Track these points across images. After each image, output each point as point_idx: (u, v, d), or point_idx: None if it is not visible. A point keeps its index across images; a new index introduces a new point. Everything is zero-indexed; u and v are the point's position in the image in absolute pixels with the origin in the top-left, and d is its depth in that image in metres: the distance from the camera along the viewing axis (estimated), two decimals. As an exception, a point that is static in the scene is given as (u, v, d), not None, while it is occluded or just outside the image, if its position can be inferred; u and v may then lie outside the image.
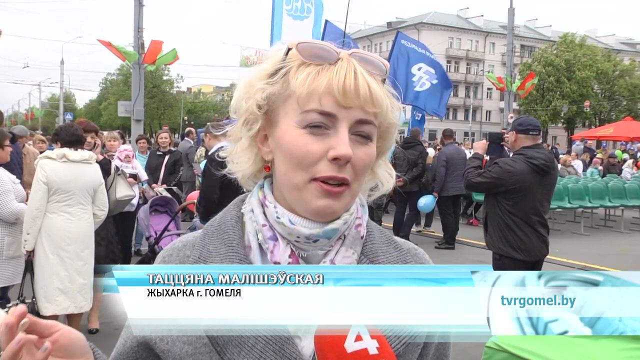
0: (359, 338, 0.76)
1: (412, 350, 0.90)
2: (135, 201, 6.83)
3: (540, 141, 4.54)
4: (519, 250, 4.37)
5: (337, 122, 0.84)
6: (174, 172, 8.28)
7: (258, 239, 0.90)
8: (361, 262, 0.92)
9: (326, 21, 9.66)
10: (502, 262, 4.43)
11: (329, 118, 0.84)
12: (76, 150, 4.50)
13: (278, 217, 0.89)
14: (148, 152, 8.98)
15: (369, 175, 0.95)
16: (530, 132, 4.43)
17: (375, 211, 10.87)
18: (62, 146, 4.52)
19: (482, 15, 67.68)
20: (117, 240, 5.49)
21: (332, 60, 0.86)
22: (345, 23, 8.97)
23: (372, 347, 0.76)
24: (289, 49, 0.88)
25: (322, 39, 9.42)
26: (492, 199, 4.54)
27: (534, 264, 4.48)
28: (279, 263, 0.88)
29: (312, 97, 0.84)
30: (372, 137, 0.88)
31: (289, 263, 0.88)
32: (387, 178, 0.98)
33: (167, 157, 8.23)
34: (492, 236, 4.51)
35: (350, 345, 0.76)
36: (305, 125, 0.85)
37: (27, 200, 4.72)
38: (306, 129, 0.85)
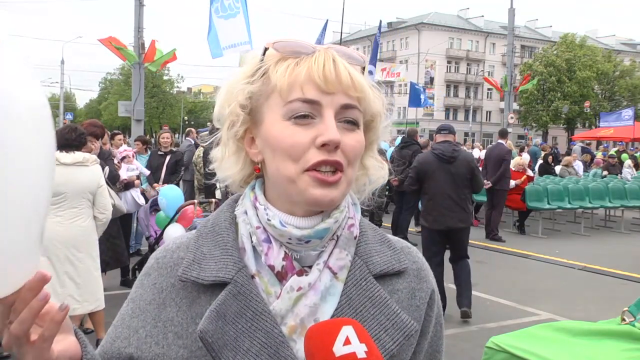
0: (347, 342, 0.75)
1: (406, 349, 0.90)
2: (141, 202, 6.87)
3: (451, 139, 5.90)
4: (429, 219, 5.79)
5: (322, 108, 0.84)
6: (176, 172, 8.27)
7: (252, 242, 0.89)
8: (355, 263, 0.90)
9: (327, 20, 9.63)
10: (423, 233, 6.07)
11: (313, 106, 0.84)
12: (68, 153, 4.40)
13: (269, 219, 0.87)
14: (148, 153, 8.95)
15: (360, 169, 0.94)
16: (441, 132, 5.99)
17: (376, 212, 10.86)
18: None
19: (482, 16, 67.63)
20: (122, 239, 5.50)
21: (309, 52, 0.87)
22: (342, 23, 8.94)
23: (361, 351, 0.75)
24: (266, 49, 0.89)
25: (322, 38, 9.31)
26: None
27: (447, 233, 5.79)
28: (273, 266, 0.87)
29: (293, 87, 0.84)
30: (359, 124, 0.88)
31: (282, 266, 0.87)
32: (378, 171, 0.97)
33: (168, 157, 8.21)
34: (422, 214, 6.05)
35: (339, 349, 0.75)
36: (290, 116, 0.84)
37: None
38: (291, 120, 0.84)
